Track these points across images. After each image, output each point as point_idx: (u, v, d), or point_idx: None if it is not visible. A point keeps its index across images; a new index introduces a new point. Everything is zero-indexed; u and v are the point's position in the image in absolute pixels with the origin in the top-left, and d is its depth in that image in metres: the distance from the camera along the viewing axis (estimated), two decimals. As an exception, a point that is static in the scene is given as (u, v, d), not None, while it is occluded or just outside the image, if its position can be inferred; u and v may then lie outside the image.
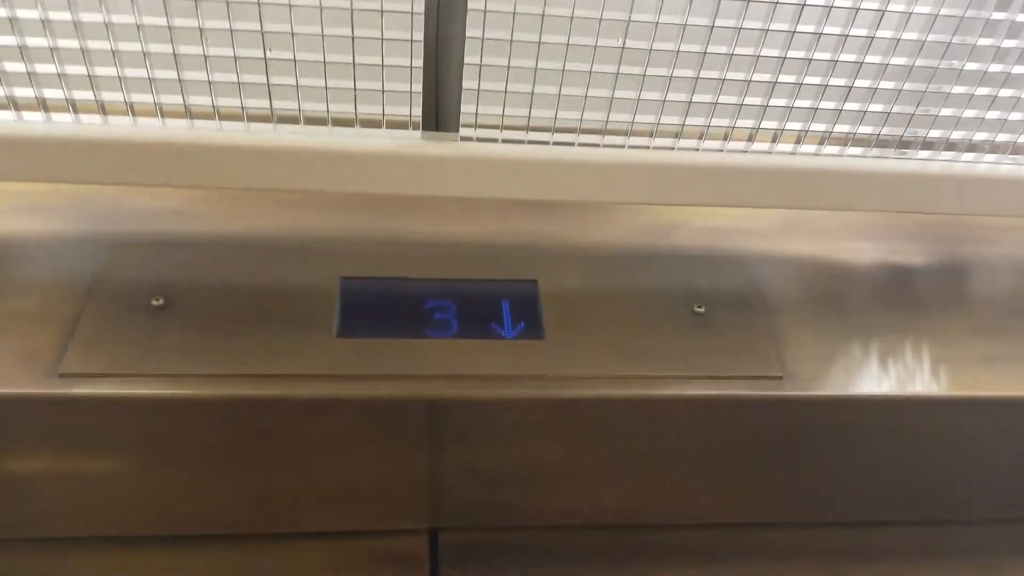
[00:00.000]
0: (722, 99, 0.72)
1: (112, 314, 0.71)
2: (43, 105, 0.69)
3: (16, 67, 0.67)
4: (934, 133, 0.76)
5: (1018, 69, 0.72)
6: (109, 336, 0.69)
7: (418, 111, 0.71)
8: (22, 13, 0.64)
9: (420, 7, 0.65)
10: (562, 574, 0.79)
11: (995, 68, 0.72)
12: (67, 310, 0.71)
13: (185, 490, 0.75)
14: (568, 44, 0.68)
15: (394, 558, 0.79)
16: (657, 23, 0.67)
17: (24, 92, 0.68)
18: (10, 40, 0.65)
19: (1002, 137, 0.76)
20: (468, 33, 0.67)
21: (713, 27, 0.68)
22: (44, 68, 0.67)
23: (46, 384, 0.66)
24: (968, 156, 0.77)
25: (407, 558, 0.79)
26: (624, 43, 0.68)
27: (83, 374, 0.67)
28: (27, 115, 0.69)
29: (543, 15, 0.66)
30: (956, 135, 0.76)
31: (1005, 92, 0.73)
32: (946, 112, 0.75)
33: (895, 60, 0.71)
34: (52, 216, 0.78)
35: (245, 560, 0.78)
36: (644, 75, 0.70)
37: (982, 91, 0.73)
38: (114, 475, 0.74)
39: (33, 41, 0.65)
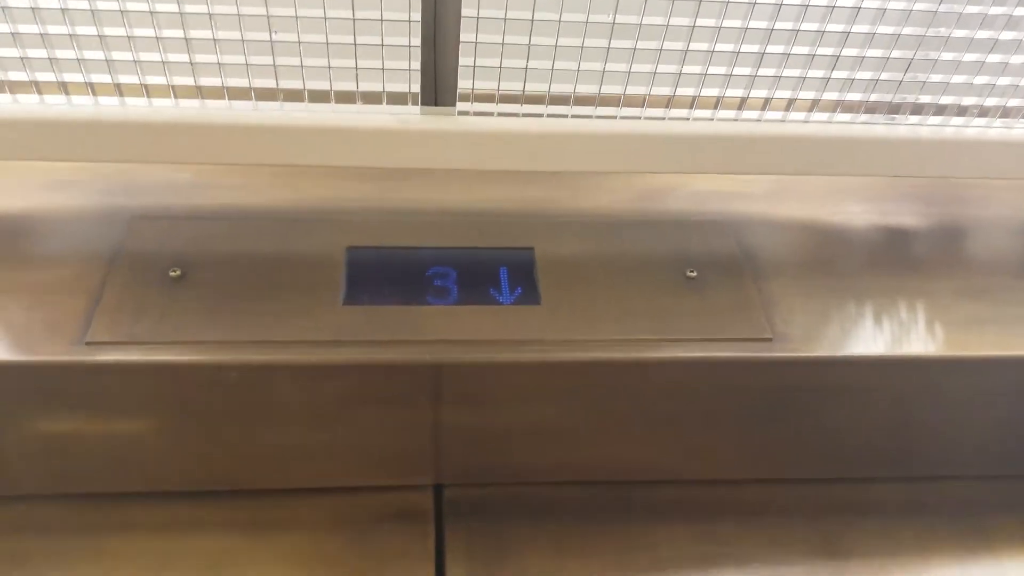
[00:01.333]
0: (711, 70, 0.79)
1: (133, 285, 0.80)
2: (64, 88, 0.78)
3: (38, 53, 0.76)
4: (923, 98, 0.82)
5: (1006, 35, 0.78)
6: (131, 306, 0.79)
7: (417, 87, 0.79)
8: (43, 2, 0.73)
9: (417, -11, 0.73)
10: (560, 527, 0.88)
11: (983, 35, 0.78)
12: (91, 281, 0.81)
13: (203, 448, 0.86)
14: (560, 21, 0.75)
15: (401, 512, 0.89)
16: (646, 0, 0.74)
17: (46, 76, 0.77)
18: (33, 28, 0.74)
19: (991, 101, 0.82)
20: (463, 12, 0.74)
21: (701, 2, 0.74)
22: (64, 54, 0.76)
23: (74, 352, 0.76)
24: (958, 120, 0.83)
25: (413, 512, 0.89)
26: (614, 18, 0.75)
27: (108, 342, 0.76)
28: (49, 98, 0.78)
29: (535, -7, 0.73)
30: (945, 100, 0.82)
31: (993, 58, 0.79)
32: (935, 78, 0.81)
33: (882, 29, 0.77)
34: (74, 192, 0.88)
35: (260, 513, 0.88)
36: (635, 48, 0.77)
37: (970, 57, 0.79)
38: (137, 435, 0.84)
39: (55, 28, 0.74)
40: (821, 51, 0.78)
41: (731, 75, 0.79)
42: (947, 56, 0.79)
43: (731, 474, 0.92)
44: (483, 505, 0.90)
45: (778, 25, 0.77)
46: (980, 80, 0.81)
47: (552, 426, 0.86)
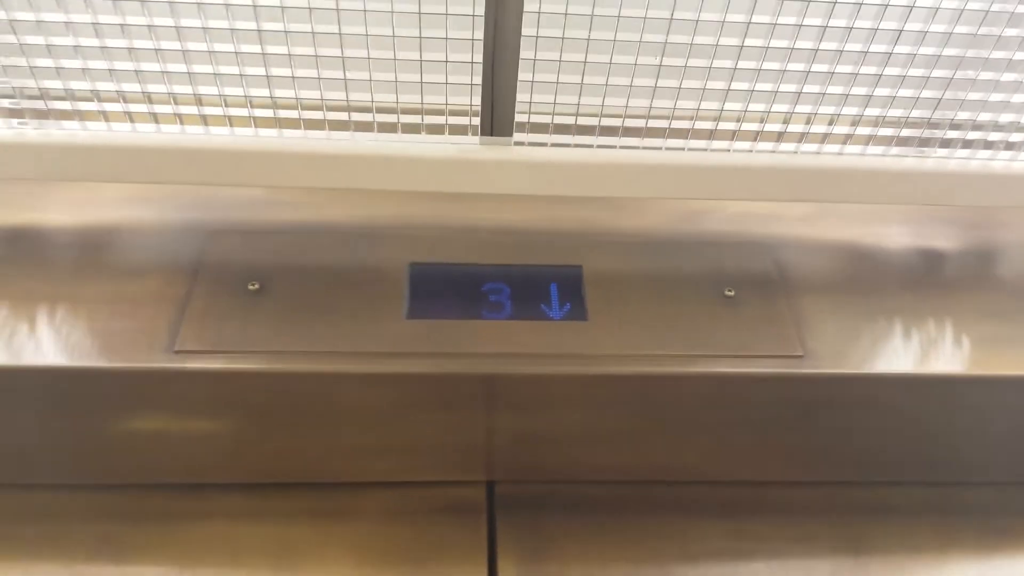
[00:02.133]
0: (752, 106, 0.88)
1: (215, 297, 0.92)
2: (155, 119, 0.89)
3: (132, 87, 0.87)
4: (951, 134, 0.91)
5: (1029, 77, 0.87)
6: (214, 317, 0.91)
7: (477, 120, 0.89)
8: (138, 43, 0.84)
9: (480, 34, 0.83)
10: (602, 522, 1.00)
11: (1008, 77, 0.87)
12: (176, 293, 0.93)
13: (277, 445, 0.98)
14: (611, 63, 0.85)
15: (456, 505, 1.01)
16: (691, 44, 0.83)
17: (139, 108, 0.88)
18: (128, 65, 0.85)
19: (1016, 137, 0.91)
20: (521, 55, 0.84)
21: (743, 47, 0.84)
22: (156, 88, 0.87)
23: (165, 360, 0.88)
24: (984, 154, 0.92)
25: (467, 505, 1.01)
26: (661, 60, 0.84)
27: (196, 351, 0.88)
28: (140, 127, 0.89)
29: (588, 39, 0.83)
30: (972, 135, 0.91)
31: (1019, 97, 0.88)
32: (963, 115, 0.90)
33: (913, 72, 0.86)
34: (156, 208, 1.00)
35: (326, 504, 1.00)
36: (679, 87, 0.87)
37: (996, 97, 0.88)
38: (217, 432, 0.96)
39: (148, 66, 0.85)
40: (856, 91, 0.88)
41: (769, 111, 0.89)
42: (974, 96, 0.88)
43: (761, 476, 1.04)
44: (531, 500, 1.02)
45: (815, 68, 0.86)
46: (1005, 118, 0.90)
47: (596, 431, 0.97)
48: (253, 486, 1.01)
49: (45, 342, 0.88)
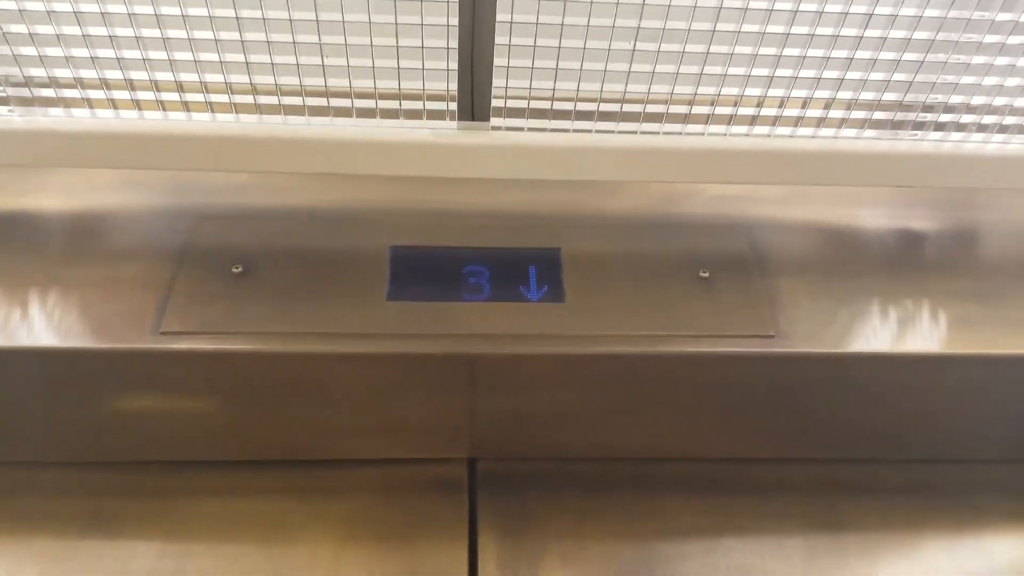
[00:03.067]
0: (724, 90, 0.91)
1: (200, 280, 0.96)
2: (137, 105, 0.93)
3: (115, 75, 0.90)
4: (924, 116, 0.95)
5: (1000, 60, 0.90)
6: (199, 299, 0.95)
7: (454, 105, 0.92)
8: (120, 31, 0.87)
9: (455, 20, 0.86)
10: (581, 498, 1.05)
11: (978, 60, 0.89)
12: (162, 276, 0.97)
13: (263, 423, 1.02)
14: (584, 48, 0.88)
15: (438, 482, 1.05)
16: (664, 29, 0.86)
17: (121, 95, 0.92)
18: (110, 53, 0.88)
19: (988, 119, 0.94)
20: (497, 41, 0.87)
21: (714, 31, 0.87)
22: (138, 75, 0.90)
23: (151, 340, 0.92)
24: (956, 136, 0.96)
25: (449, 482, 1.05)
26: (635, 45, 0.88)
27: (181, 332, 0.93)
28: (124, 114, 0.93)
29: (562, 24, 0.86)
30: (944, 118, 0.94)
31: (989, 80, 0.91)
32: (935, 98, 0.93)
33: (884, 55, 0.89)
34: (142, 192, 1.04)
35: (312, 480, 1.05)
36: (653, 71, 0.90)
37: (967, 79, 0.91)
38: (204, 411, 1.01)
39: (130, 54, 0.89)
40: (827, 74, 0.91)
41: (743, 95, 0.92)
42: (947, 78, 0.91)
43: (738, 453, 1.08)
44: (512, 477, 1.06)
45: (786, 52, 0.89)
46: (978, 100, 0.93)
47: (574, 409, 1.02)
48: (241, 463, 1.06)
49: (37, 324, 0.93)
